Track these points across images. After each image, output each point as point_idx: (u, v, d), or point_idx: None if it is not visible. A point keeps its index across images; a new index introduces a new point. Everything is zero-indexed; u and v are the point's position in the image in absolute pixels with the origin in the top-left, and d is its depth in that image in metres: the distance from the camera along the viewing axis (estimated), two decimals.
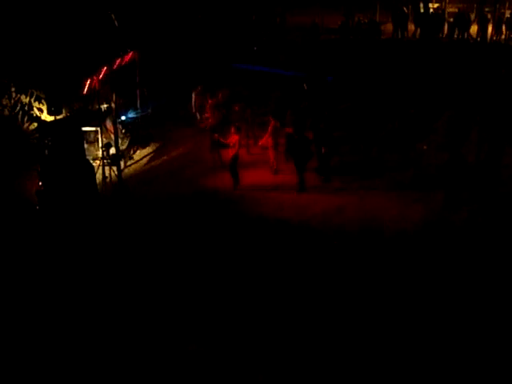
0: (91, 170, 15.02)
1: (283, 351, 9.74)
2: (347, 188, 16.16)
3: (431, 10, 33.11)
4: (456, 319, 10.47)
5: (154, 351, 9.75)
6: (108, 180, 16.59)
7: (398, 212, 14.64)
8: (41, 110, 11.97)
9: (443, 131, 18.42)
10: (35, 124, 13.86)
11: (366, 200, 15.35)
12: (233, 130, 16.16)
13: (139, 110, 20.25)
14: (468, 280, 11.61)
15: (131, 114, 19.80)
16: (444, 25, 31.05)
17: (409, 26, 31.84)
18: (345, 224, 14.13)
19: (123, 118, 19.06)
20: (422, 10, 32.42)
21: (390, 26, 32.45)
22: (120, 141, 17.42)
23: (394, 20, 31.93)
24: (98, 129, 17.53)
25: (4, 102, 11.57)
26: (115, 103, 17.54)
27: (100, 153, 17.04)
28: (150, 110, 20.99)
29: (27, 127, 13.21)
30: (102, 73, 16.02)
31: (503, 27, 30.46)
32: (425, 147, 18.50)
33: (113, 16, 16.97)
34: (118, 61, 17.28)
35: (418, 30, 31.48)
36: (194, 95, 21.06)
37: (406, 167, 17.30)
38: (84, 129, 16.28)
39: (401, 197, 15.49)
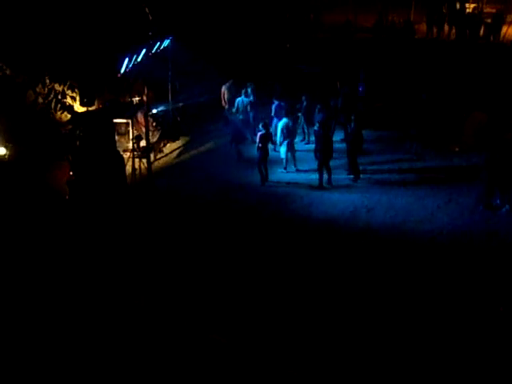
0: (121, 162, 15.10)
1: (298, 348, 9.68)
2: (376, 187, 15.97)
3: (468, 10, 32.65)
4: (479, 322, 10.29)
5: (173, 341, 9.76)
6: (137, 172, 16.68)
7: (428, 213, 14.42)
8: (74, 99, 12.03)
9: (473, 132, 18.20)
10: (68, 115, 13.96)
11: (397, 200, 15.17)
12: (260, 126, 16.16)
13: (170, 104, 20.32)
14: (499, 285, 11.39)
15: (162, 108, 19.87)
16: (481, 26, 30.48)
17: (444, 27, 31.40)
18: (374, 224, 13.97)
19: (154, 111, 19.14)
20: (458, 10, 31.98)
21: (423, 26, 32.08)
22: (150, 134, 17.47)
23: (429, 20, 31.54)
24: (130, 121, 17.65)
25: (38, 90, 11.64)
26: (147, 96, 17.61)
27: (130, 145, 17.15)
28: (181, 104, 21.04)
29: (60, 116, 13.32)
30: (141, 54, 16.01)
31: None
32: (457, 149, 18.29)
33: (147, 9, 16.99)
34: (156, 44, 17.34)
35: (454, 31, 31.04)
36: (223, 89, 21.05)
37: (438, 168, 17.10)
38: (115, 121, 16.37)
39: (432, 198, 15.27)
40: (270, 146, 16.69)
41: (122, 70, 14.89)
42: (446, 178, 16.50)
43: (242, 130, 18.29)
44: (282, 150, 16.93)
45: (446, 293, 11.12)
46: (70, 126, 13.59)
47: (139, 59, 16.16)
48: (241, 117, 18.64)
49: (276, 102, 18.58)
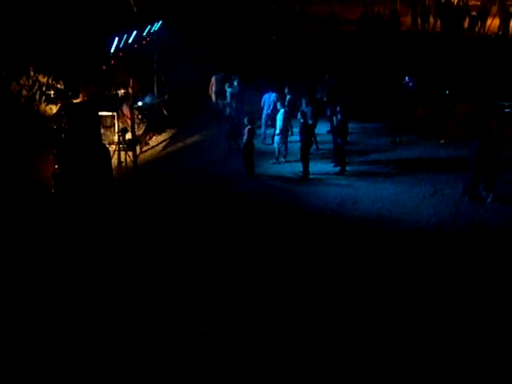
0: (107, 155, 15.02)
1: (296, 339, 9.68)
2: (363, 179, 16.02)
3: (453, 2, 32.78)
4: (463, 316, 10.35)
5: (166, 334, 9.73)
6: (123, 165, 16.61)
7: (414, 204, 14.49)
8: (59, 91, 11.96)
9: (459, 123, 18.33)
10: (52, 107, 13.88)
11: (383, 192, 15.22)
12: (246, 120, 16.14)
13: (156, 96, 20.23)
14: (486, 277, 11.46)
15: (148, 100, 19.77)
16: (466, 18, 30.61)
17: (430, 19, 31.50)
18: (360, 215, 14.02)
19: (140, 103, 19.04)
20: (443, 2, 32.09)
21: (409, 19, 32.16)
22: (136, 126, 17.42)
23: (414, 12, 31.64)
24: (115, 114, 17.55)
25: (22, 82, 11.56)
26: (132, 88, 17.51)
27: (116, 138, 17.07)
28: (166, 96, 20.96)
29: (44, 109, 13.25)
30: (132, 36, 15.87)
31: None
32: (442, 140, 18.40)
33: (131, 1, 16.89)
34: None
35: (439, 23, 31.15)
36: (213, 80, 21.02)
37: (424, 160, 17.19)
38: (101, 113, 16.26)
39: (417, 189, 15.35)
40: (257, 138, 16.69)
41: (112, 50, 14.67)
42: (431, 169, 16.59)
43: (238, 123, 18.17)
44: (277, 139, 16.91)
45: (431, 284, 11.16)
46: (57, 118, 13.50)
47: (130, 41, 15.98)
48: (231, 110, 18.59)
49: (268, 94, 18.53)
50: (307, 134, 16.01)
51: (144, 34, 17.40)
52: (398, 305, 10.52)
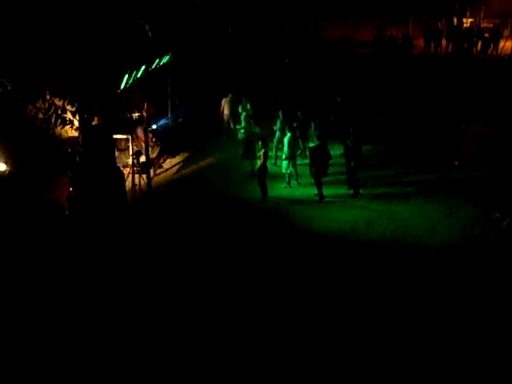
0: (121, 178, 15.09)
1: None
2: (377, 202, 15.97)
3: (465, 25, 32.88)
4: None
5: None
6: (137, 188, 16.68)
7: (429, 227, 14.40)
8: (74, 114, 12.10)
9: (473, 146, 18.27)
10: (68, 130, 14.04)
11: (397, 214, 15.14)
12: (260, 142, 16.18)
13: (170, 119, 20.37)
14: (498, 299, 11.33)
15: (162, 123, 19.91)
16: (478, 40, 30.70)
17: (442, 41, 31.63)
18: (374, 238, 13.94)
19: (154, 126, 19.18)
20: (455, 25, 32.23)
21: (422, 42, 32.32)
22: (150, 149, 17.51)
23: (426, 35, 31.79)
24: (129, 137, 17.68)
25: (38, 105, 11.72)
26: (146, 112, 17.66)
27: (130, 160, 17.16)
28: (180, 120, 21.10)
29: (60, 132, 13.40)
30: (140, 71, 16.10)
31: None
32: (456, 163, 18.32)
33: (147, 26, 17.11)
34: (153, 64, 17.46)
35: (451, 45, 31.26)
36: (223, 102, 21.17)
37: (438, 182, 17.12)
38: (115, 136, 16.39)
39: (432, 211, 15.25)
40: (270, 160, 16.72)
41: (122, 86, 14.96)
42: (446, 191, 16.49)
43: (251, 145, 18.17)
44: (285, 165, 16.93)
45: (446, 307, 11.05)
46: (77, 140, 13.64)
47: (139, 75, 16.24)
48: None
49: (280, 116, 18.58)
50: (315, 157, 16.00)
51: (152, 67, 17.58)
52: (410, 327, 10.43)
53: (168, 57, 18.84)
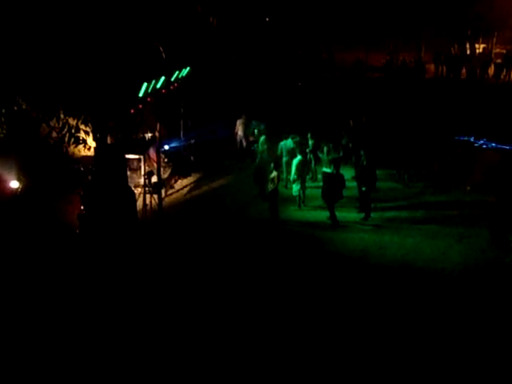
0: (132, 197, 15.14)
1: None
2: (388, 226, 15.90)
3: (478, 51, 32.98)
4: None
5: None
6: (148, 208, 16.71)
7: (440, 252, 14.29)
8: (87, 133, 12.19)
9: (485, 171, 18.21)
10: (80, 149, 14.12)
11: (408, 239, 15.06)
12: (272, 165, 16.20)
13: (182, 140, 20.48)
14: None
15: (174, 144, 20.02)
16: (491, 65, 30.77)
17: (455, 66, 31.72)
18: (385, 262, 13.85)
19: (166, 147, 19.27)
20: (468, 51, 32.31)
21: (433, 67, 32.43)
22: (162, 170, 17.58)
23: (436, 60, 31.92)
24: (142, 157, 17.77)
25: (52, 124, 11.82)
26: (159, 132, 17.76)
27: (142, 180, 17.22)
28: (192, 141, 21.21)
29: (72, 151, 13.50)
30: (160, 82, 16.26)
31: None
32: (468, 188, 18.24)
33: (161, 48, 17.26)
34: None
35: (463, 70, 31.33)
36: (238, 124, 21.36)
37: (450, 206, 17.04)
38: (127, 156, 16.48)
39: (444, 236, 15.16)
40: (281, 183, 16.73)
41: (141, 94, 14.97)
42: (457, 216, 16.42)
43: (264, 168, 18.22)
44: (295, 188, 16.93)
45: (457, 333, 10.92)
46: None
47: (158, 86, 16.31)
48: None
49: (284, 141, 18.63)
50: (329, 183, 15.98)
51: (172, 79, 17.72)
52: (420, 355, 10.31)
53: (187, 70, 18.88)
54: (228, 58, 25.50)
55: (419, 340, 10.69)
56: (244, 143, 21.27)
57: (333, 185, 15.89)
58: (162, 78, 16.48)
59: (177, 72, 18.02)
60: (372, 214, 16.33)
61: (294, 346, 10.50)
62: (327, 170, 16.67)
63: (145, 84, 14.88)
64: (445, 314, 11.56)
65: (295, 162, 16.82)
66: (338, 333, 10.93)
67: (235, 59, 25.80)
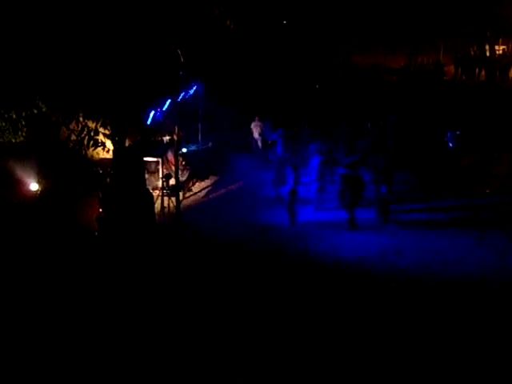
0: (150, 200, 15.22)
1: None
2: (406, 229, 15.80)
3: (497, 52, 32.67)
4: None
5: None
6: (166, 210, 16.79)
7: (459, 255, 14.16)
8: (106, 136, 12.30)
9: (505, 174, 18.08)
10: (99, 152, 14.24)
11: (426, 242, 14.95)
12: (290, 168, 16.21)
13: (200, 143, 20.56)
14: None
15: (192, 147, 20.11)
16: (511, 68, 30.48)
17: (474, 69, 31.46)
18: (402, 266, 13.76)
19: (184, 150, 19.36)
20: (487, 53, 32.01)
21: (452, 69, 32.19)
22: (180, 172, 17.66)
23: (457, 62, 31.67)
24: (160, 160, 17.87)
25: (71, 127, 11.95)
26: (177, 135, 17.84)
27: (160, 183, 17.32)
28: (210, 144, 21.29)
29: (91, 154, 13.64)
30: (166, 104, 16.42)
31: None
32: (487, 190, 18.10)
33: (179, 51, 17.34)
34: (181, 94, 17.68)
35: (483, 72, 31.06)
36: (252, 126, 21.50)
37: (469, 209, 16.89)
38: (146, 159, 16.59)
39: (463, 240, 15.02)
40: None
41: (149, 122, 15.22)
42: (477, 219, 16.24)
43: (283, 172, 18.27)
44: (313, 189, 16.90)
45: (475, 340, 10.80)
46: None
47: (164, 108, 16.50)
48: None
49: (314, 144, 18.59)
50: (347, 185, 15.93)
51: (179, 99, 17.86)
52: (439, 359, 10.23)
53: (194, 88, 19.05)
54: (245, 61, 25.50)
55: (436, 342, 10.61)
56: (259, 145, 21.35)
57: (349, 186, 15.85)
58: (168, 102, 16.66)
59: (182, 93, 18.12)
60: (391, 217, 16.23)
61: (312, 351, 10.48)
62: (344, 171, 16.63)
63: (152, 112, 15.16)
64: (464, 319, 11.45)
65: (314, 162, 16.80)
66: (350, 336, 10.88)
67: (251, 62, 25.80)
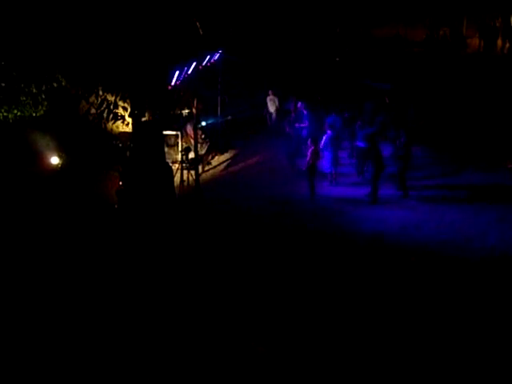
0: (170, 173, 15.26)
1: None
2: (426, 204, 15.69)
3: None
4: None
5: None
6: (185, 183, 16.83)
7: (479, 231, 14.05)
8: (125, 109, 12.31)
9: None
10: (119, 126, 14.25)
11: (446, 217, 14.85)
12: (309, 141, 16.12)
13: (219, 117, 20.50)
14: None
15: (211, 120, 20.05)
16: None
17: (497, 41, 30.85)
18: (422, 241, 13.70)
19: (203, 123, 19.32)
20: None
21: (475, 41, 31.59)
22: (199, 146, 17.67)
23: (482, 34, 31.06)
24: (179, 133, 17.88)
25: (91, 100, 11.97)
26: (196, 109, 17.80)
27: (179, 156, 17.35)
28: (229, 117, 21.22)
29: (111, 127, 13.67)
30: (192, 67, 16.34)
31: None
32: (510, 165, 17.88)
33: (198, 24, 17.22)
34: (207, 56, 17.64)
35: (507, 45, 30.46)
36: (267, 100, 21.49)
37: (491, 185, 16.71)
38: (165, 132, 16.60)
39: (483, 215, 14.89)
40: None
41: (173, 83, 15.12)
42: (498, 194, 16.09)
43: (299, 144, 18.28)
44: (327, 164, 16.82)
45: (495, 316, 10.76)
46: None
47: (189, 71, 16.39)
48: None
49: (332, 116, 18.42)
50: (360, 156, 15.87)
51: (204, 63, 17.78)
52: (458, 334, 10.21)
53: (218, 54, 18.92)
54: (265, 34, 25.25)
55: (456, 321, 10.60)
56: (274, 118, 21.38)
57: (368, 159, 15.78)
58: (193, 64, 16.54)
59: (208, 56, 18.00)
60: (410, 192, 16.14)
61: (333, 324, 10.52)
62: (361, 144, 16.54)
63: (177, 72, 15.03)
64: (482, 295, 11.40)
65: (327, 137, 16.67)
66: (373, 311, 10.90)
67: (275, 35, 25.55)
